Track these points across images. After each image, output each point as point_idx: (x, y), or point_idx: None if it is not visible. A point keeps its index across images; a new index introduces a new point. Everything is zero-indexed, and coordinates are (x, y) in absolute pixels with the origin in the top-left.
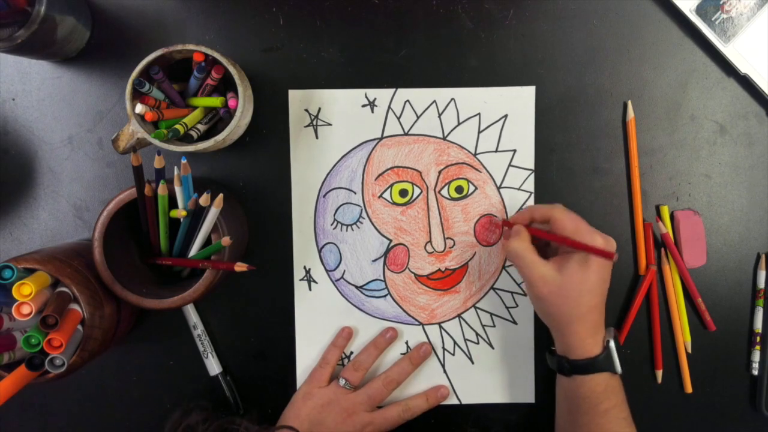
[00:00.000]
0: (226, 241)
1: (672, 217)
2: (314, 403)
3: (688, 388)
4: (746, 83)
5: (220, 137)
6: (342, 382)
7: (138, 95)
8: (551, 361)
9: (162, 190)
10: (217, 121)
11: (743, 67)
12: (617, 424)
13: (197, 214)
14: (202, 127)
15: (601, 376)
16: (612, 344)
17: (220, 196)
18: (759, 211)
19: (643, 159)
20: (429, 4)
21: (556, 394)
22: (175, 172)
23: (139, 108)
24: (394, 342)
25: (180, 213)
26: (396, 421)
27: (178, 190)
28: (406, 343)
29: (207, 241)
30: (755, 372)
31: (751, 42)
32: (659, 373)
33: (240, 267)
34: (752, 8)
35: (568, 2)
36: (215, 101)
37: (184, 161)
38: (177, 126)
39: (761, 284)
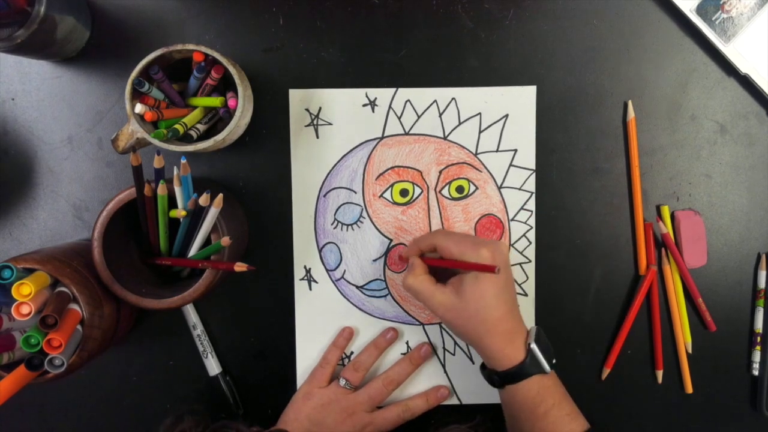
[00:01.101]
0: (225, 241)
1: (672, 217)
2: (314, 403)
3: (689, 389)
4: (746, 83)
5: (219, 137)
6: (342, 382)
7: (138, 95)
8: (484, 376)
9: (161, 190)
10: (217, 121)
11: (743, 67)
12: (560, 422)
13: (197, 214)
14: (201, 127)
15: (531, 381)
16: (534, 346)
17: (220, 196)
18: (759, 211)
19: (643, 159)
20: (429, 4)
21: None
22: (175, 172)
23: (139, 108)
24: (395, 342)
25: (180, 213)
26: (396, 421)
27: (177, 190)
28: (407, 343)
29: (207, 241)
30: (756, 372)
31: (751, 42)
32: (659, 374)
33: (240, 267)
34: (752, 8)
35: (568, 2)
36: (215, 101)
37: (183, 161)
38: (177, 126)
39: (762, 284)
